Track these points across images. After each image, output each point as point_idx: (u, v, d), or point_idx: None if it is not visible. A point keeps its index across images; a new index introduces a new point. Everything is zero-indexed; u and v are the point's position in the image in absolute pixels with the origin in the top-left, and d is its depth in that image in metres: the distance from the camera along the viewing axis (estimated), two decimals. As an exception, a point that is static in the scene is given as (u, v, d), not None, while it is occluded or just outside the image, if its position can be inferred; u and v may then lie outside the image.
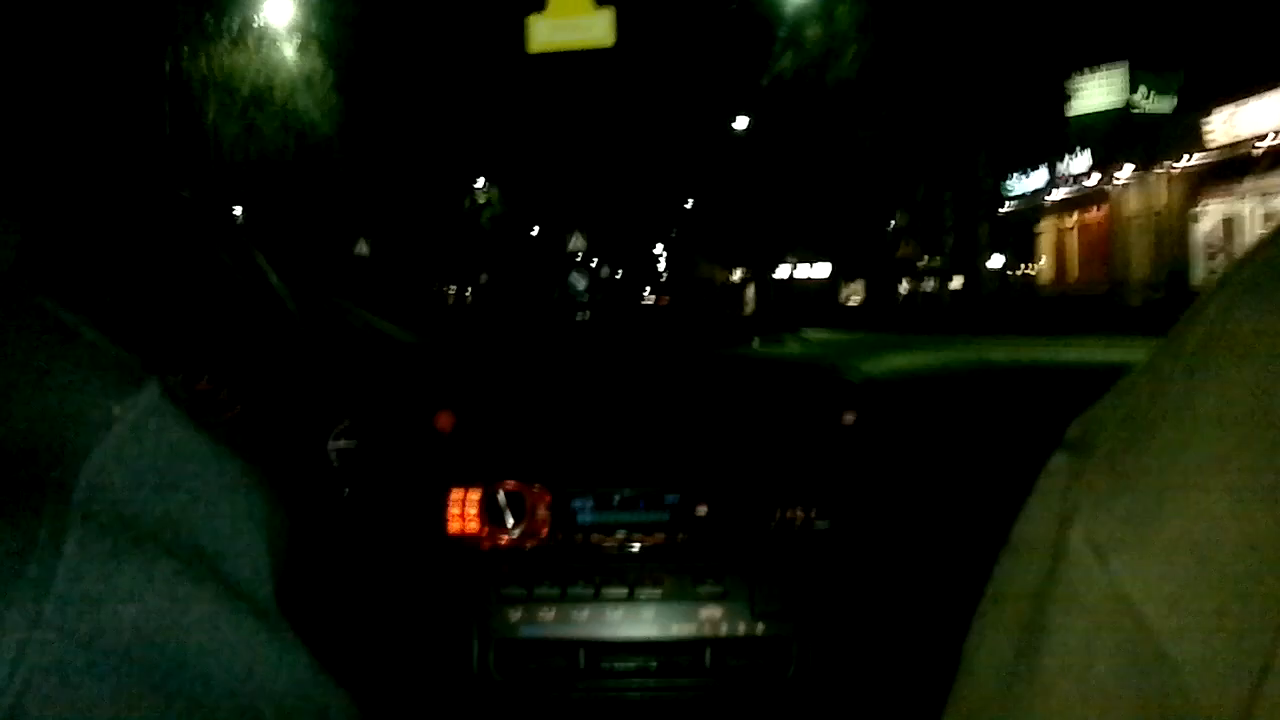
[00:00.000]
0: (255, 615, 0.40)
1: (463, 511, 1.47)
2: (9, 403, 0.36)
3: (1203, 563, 0.37)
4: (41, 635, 0.32)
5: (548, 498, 1.47)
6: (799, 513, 1.46)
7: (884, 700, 1.46)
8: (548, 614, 1.42)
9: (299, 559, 0.43)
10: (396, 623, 1.46)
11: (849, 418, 1.51)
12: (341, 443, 1.47)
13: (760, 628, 1.42)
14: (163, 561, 0.36)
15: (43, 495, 0.34)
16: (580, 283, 10.09)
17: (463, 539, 1.48)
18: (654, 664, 1.43)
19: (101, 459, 0.36)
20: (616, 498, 1.48)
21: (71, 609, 0.33)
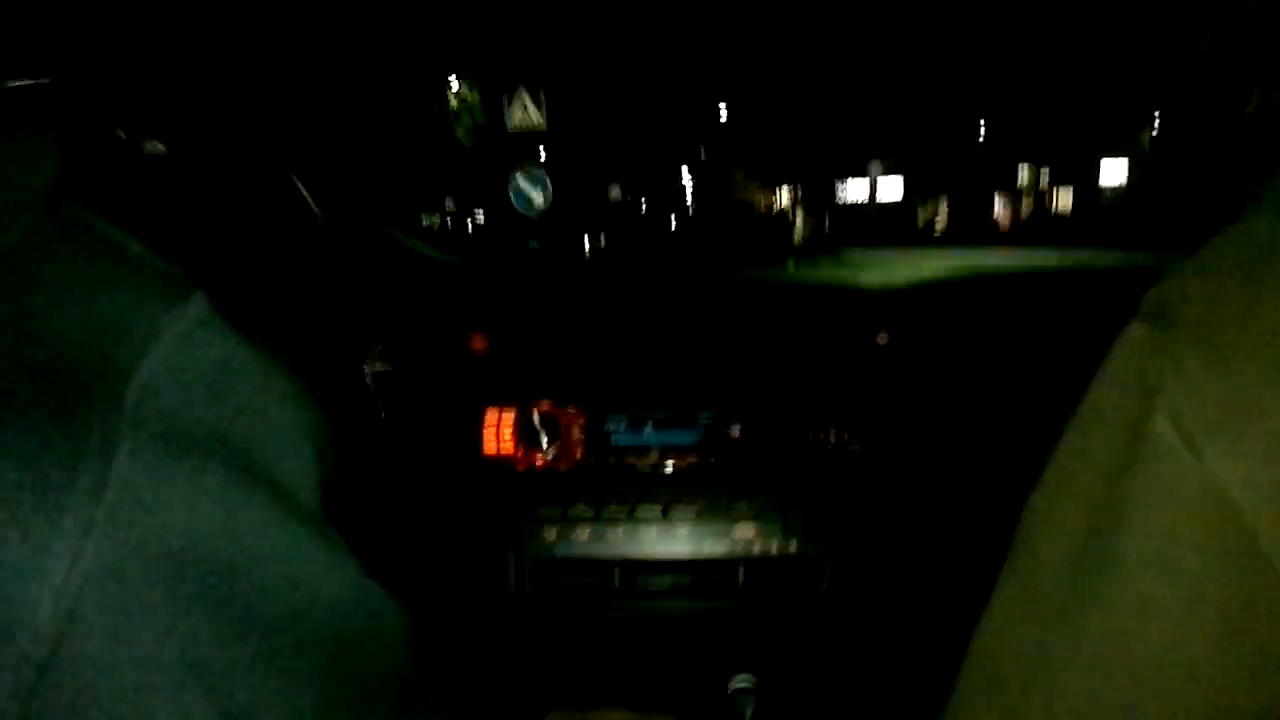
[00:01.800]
0: (305, 523, 0.47)
1: (498, 433, 1.75)
2: (59, 317, 0.42)
3: None
4: (95, 541, 0.38)
5: (582, 419, 1.75)
6: (831, 433, 1.72)
7: (915, 619, 1.69)
8: (582, 533, 1.70)
9: (340, 478, 0.51)
10: (434, 541, 1.74)
11: (882, 337, 1.74)
12: (377, 366, 1.72)
13: (793, 546, 1.68)
14: (214, 469, 0.43)
15: (93, 405, 0.40)
16: (533, 193, 7.65)
17: (498, 460, 1.76)
18: (688, 582, 1.71)
19: (151, 369, 0.43)
20: (650, 419, 1.75)
21: (124, 515, 0.39)
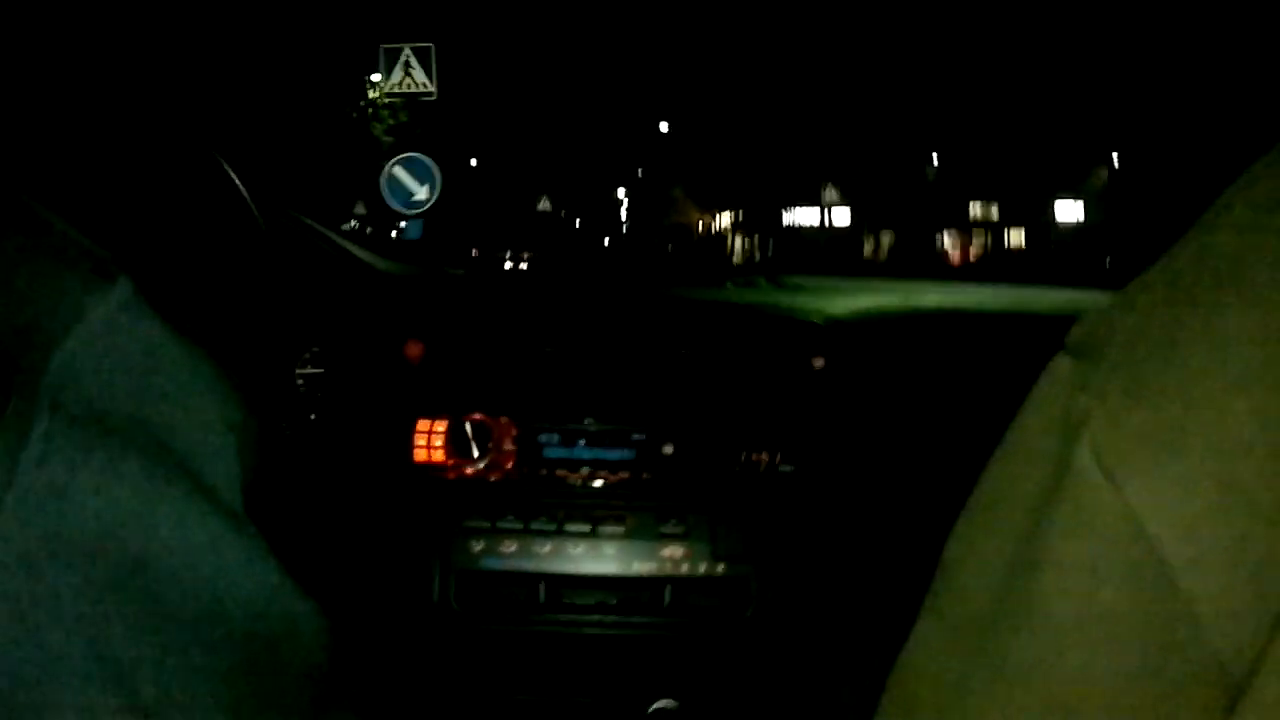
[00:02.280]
0: (224, 518, 0.48)
1: (429, 441, 1.81)
2: None
3: (1226, 490, 0.43)
4: (3, 525, 0.39)
5: (514, 431, 1.81)
6: (764, 455, 1.80)
7: (841, 642, 1.77)
8: (509, 547, 1.76)
9: (263, 477, 0.52)
10: (358, 549, 1.79)
11: (818, 362, 1.84)
12: (309, 369, 1.79)
13: (721, 568, 1.76)
14: (132, 457, 0.43)
15: (9, 383, 0.40)
16: (415, 185, 6.35)
17: (428, 469, 1.81)
18: (614, 600, 1.79)
19: (72, 350, 0.43)
20: (583, 434, 1.82)
21: (35, 499, 0.39)
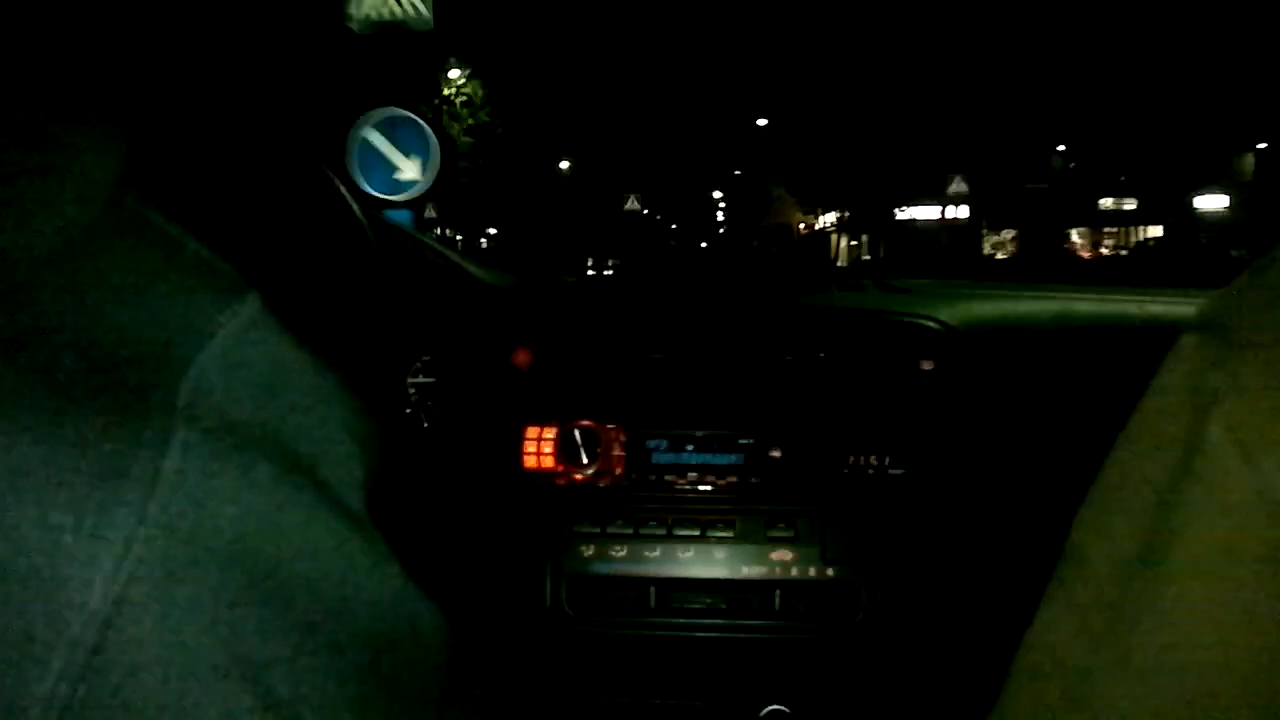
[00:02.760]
0: (349, 522, 0.52)
1: (538, 449, 1.93)
2: (117, 310, 0.47)
3: None
4: (147, 531, 0.43)
5: (623, 437, 1.92)
6: (873, 459, 1.89)
7: (951, 649, 1.84)
8: (620, 551, 1.87)
9: (382, 484, 0.56)
10: (472, 554, 1.90)
11: (926, 365, 1.92)
12: (420, 378, 1.94)
13: (830, 572, 1.84)
14: (262, 465, 0.48)
15: (148, 399, 0.45)
16: (402, 161, 5.53)
17: (538, 476, 1.93)
18: (723, 603, 1.87)
19: (205, 365, 0.48)
20: (691, 439, 1.92)
21: (175, 507, 0.44)
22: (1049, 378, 1.98)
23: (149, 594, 0.43)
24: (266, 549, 0.47)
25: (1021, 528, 1.81)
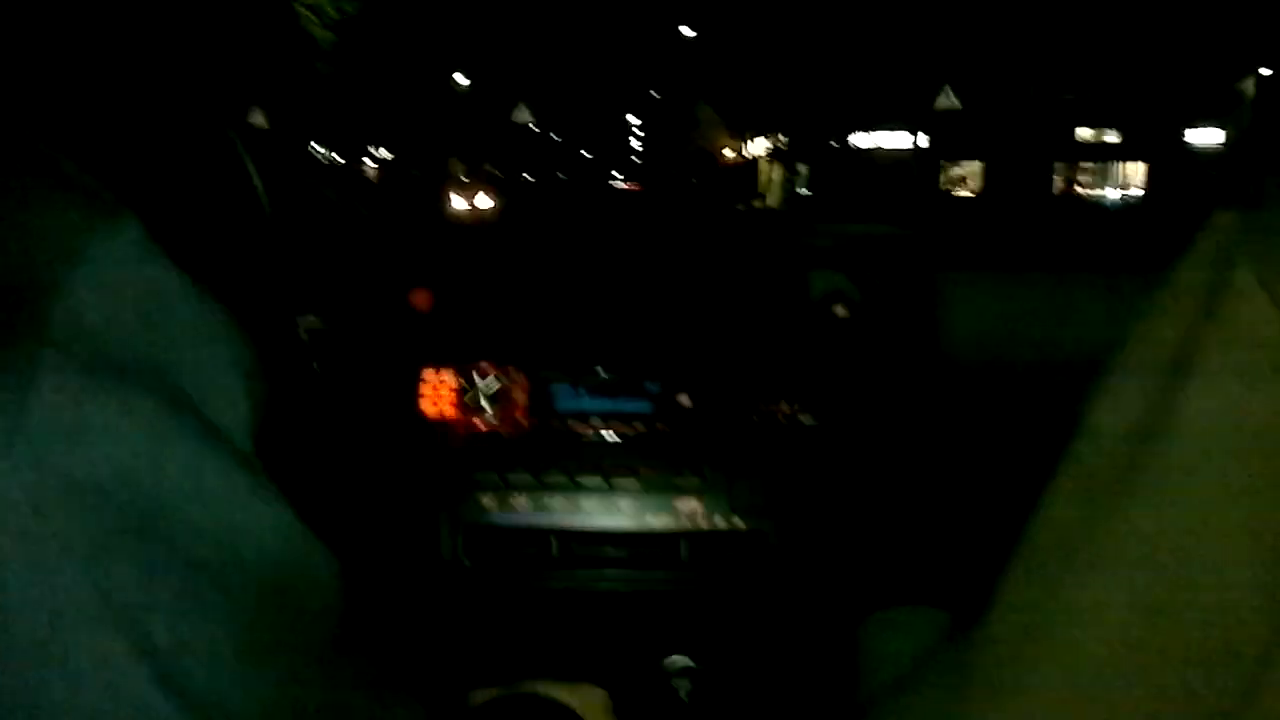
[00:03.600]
0: (236, 460, 0.54)
1: (436, 394, 2.02)
2: None
3: None
4: (13, 468, 0.45)
5: (525, 382, 2.01)
6: (784, 407, 2.00)
7: (857, 602, 1.72)
8: (521, 501, 1.97)
9: (271, 426, 0.59)
10: (365, 503, 1.99)
11: (841, 312, 2.03)
12: (311, 320, 2.01)
13: (738, 522, 1.96)
14: (142, 400, 0.49)
15: (15, 325, 0.46)
16: None
17: (435, 422, 2.02)
18: (628, 555, 1.99)
19: (79, 293, 0.49)
20: (597, 384, 2.02)
21: (45, 443, 0.45)
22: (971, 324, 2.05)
23: (15, 537, 0.44)
24: (146, 487, 0.49)
25: (934, 481, 1.96)
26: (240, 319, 0.60)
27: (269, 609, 0.55)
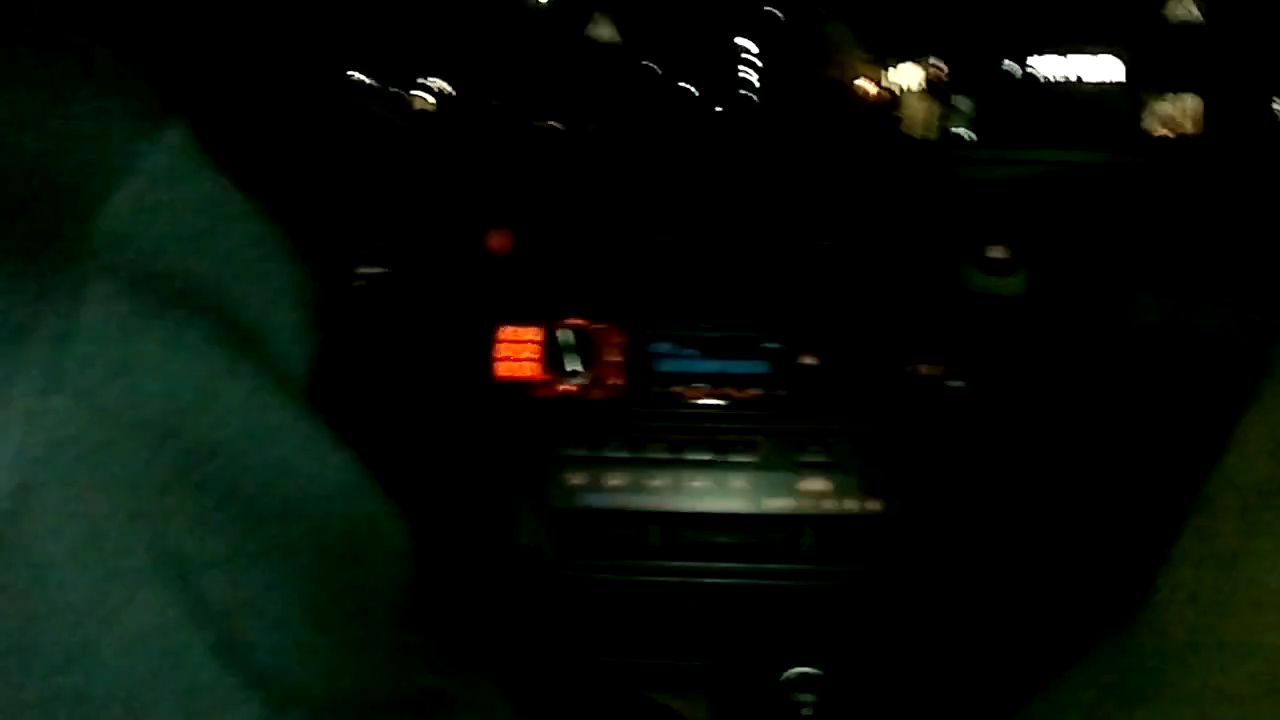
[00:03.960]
0: (298, 401, 0.52)
1: (516, 354, 1.90)
2: (19, 135, 0.47)
3: None
4: (59, 402, 0.43)
5: (621, 339, 1.88)
6: (926, 369, 1.87)
7: (1012, 601, 1.83)
8: (616, 480, 1.87)
9: (326, 380, 0.56)
10: (432, 483, 1.83)
11: (998, 252, 1.89)
12: (373, 267, 1.91)
13: (873, 505, 1.84)
14: (195, 328, 0.48)
15: (57, 244, 0.45)
16: None
17: (515, 387, 1.89)
18: (742, 543, 1.87)
19: (123, 205, 0.48)
20: (705, 343, 1.89)
21: (92, 374, 0.44)
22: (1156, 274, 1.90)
23: (59, 478, 0.44)
24: (201, 428, 0.48)
25: (1102, 460, 1.83)
26: (299, 245, 0.57)
27: (336, 571, 0.54)
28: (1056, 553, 1.81)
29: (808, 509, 1.88)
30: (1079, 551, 1.82)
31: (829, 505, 1.88)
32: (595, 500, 1.91)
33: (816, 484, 1.89)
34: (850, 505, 1.88)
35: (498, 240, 1.99)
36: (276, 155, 1.72)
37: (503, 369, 1.94)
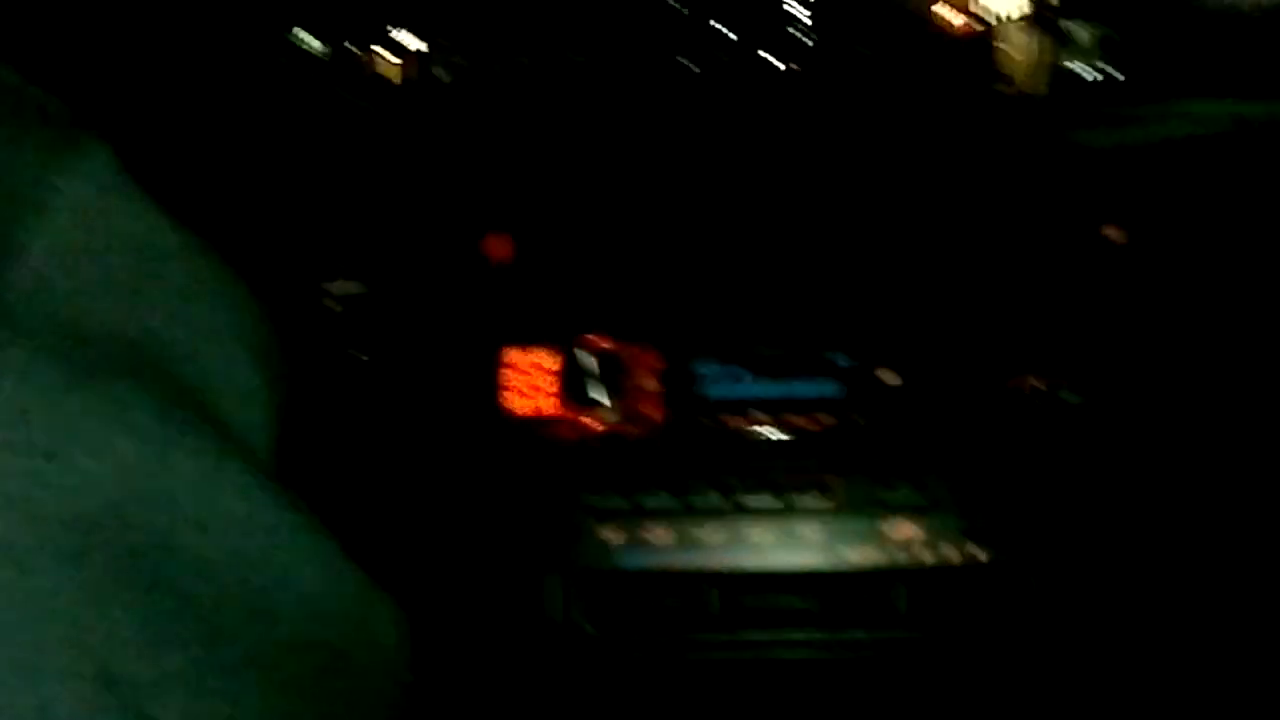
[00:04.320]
0: (265, 482, 0.47)
1: (526, 382, 1.74)
2: None
3: None
4: None
5: (656, 361, 1.72)
6: (1038, 382, 1.69)
7: (1157, 669, 1.70)
8: (659, 534, 1.71)
9: (297, 439, 0.52)
10: (432, 546, 1.71)
11: (1114, 234, 1.71)
12: (348, 285, 1.73)
13: (976, 553, 1.69)
14: (135, 398, 0.43)
15: None
16: None
17: (526, 424, 1.73)
18: (819, 607, 1.73)
19: (40, 253, 0.44)
20: (761, 361, 1.74)
21: (13, 464, 0.40)
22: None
23: None
24: (150, 521, 0.43)
25: (1260, 490, 1.68)
26: (250, 279, 0.51)
27: (317, 684, 0.49)
28: (1205, 601, 1.70)
29: (898, 562, 1.73)
30: (1233, 601, 1.71)
31: (924, 556, 1.73)
32: (636, 560, 1.75)
33: (907, 530, 1.73)
34: (950, 555, 1.73)
35: (496, 245, 1.82)
36: (218, 163, 1.65)
37: (511, 402, 1.78)
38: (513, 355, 1.78)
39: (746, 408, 1.78)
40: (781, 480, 1.75)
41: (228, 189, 1.61)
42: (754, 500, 1.74)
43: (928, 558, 1.72)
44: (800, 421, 1.77)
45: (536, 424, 1.78)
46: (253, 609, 0.47)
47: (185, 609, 0.45)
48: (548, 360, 1.77)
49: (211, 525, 0.46)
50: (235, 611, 0.47)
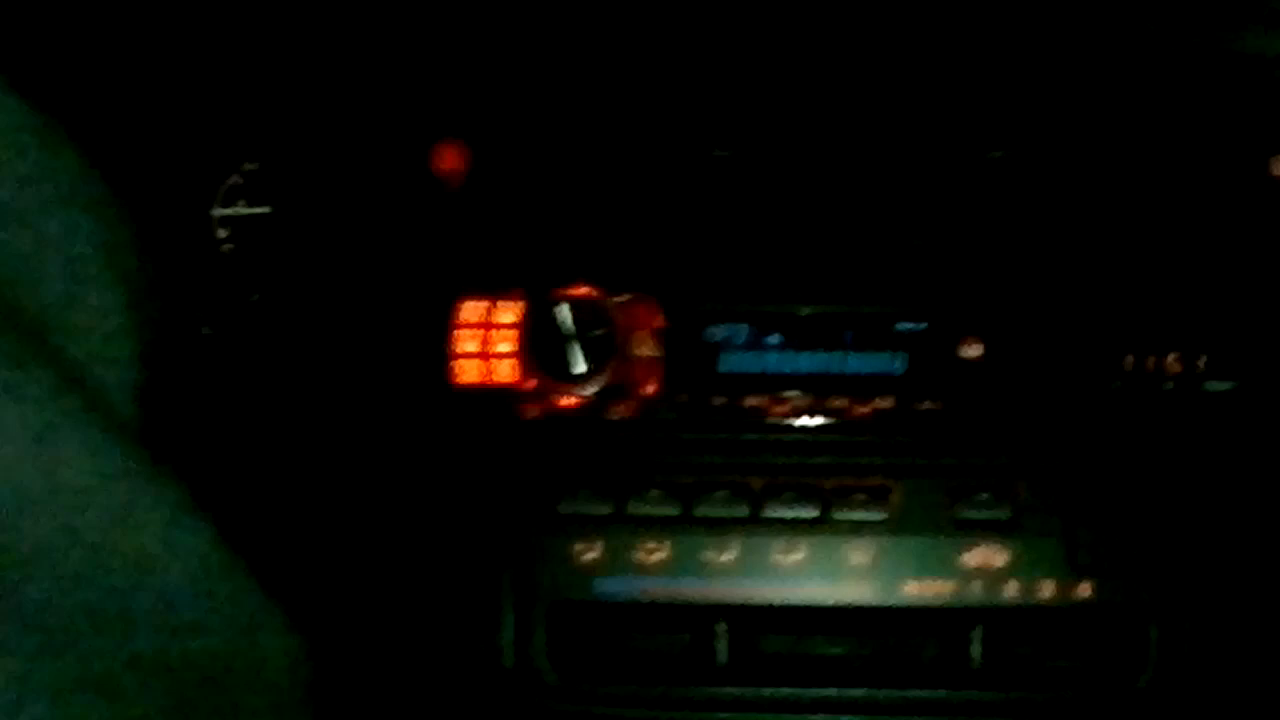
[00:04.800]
0: (128, 450, 0.46)
1: (484, 344, 1.43)
2: None
3: None
4: None
5: (656, 319, 1.41)
6: (1169, 363, 1.40)
7: None
8: (653, 553, 1.40)
9: (173, 403, 0.49)
10: (352, 564, 1.40)
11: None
12: (240, 207, 1.45)
13: (1085, 591, 1.37)
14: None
15: None
16: None
17: (482, 398, 1.42)
18: (870, 656, 1.43)
19: None
20: (796, 324, 1.41)
21: None
22: None
23: None
24: (13, 519, 0.41)
25: None
26: (116, 187, 0.50)
27: (180, 711, 0.48)
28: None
29: (973, 597, 1.44)
30: None
31: (1008, 591, 1.44)
32: (620, 587, 1.48)
33: (989, 555, 1.45)
34: (1043, 590, 1.45)
35: (448, 158, 1.54)
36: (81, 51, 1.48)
37: (464, 371, 1.51)
38: (466, 306, 1.52)
39: (775, 385, 1.50)
40: (817, 483, 1.47)
41: (100, 89, 1.43)
42: (779, 509, 1.46)
43: (1013, 593, 1.45)
44: (846, 405, 1.49)
45: (494, 398, 1.52)
46: (100, 613, 0.43)
47: (42, 619, 0.42)
48: (510, 314, 1.51)
49: (42, 499, 0.43)
50: (75, 615, 0.43)
